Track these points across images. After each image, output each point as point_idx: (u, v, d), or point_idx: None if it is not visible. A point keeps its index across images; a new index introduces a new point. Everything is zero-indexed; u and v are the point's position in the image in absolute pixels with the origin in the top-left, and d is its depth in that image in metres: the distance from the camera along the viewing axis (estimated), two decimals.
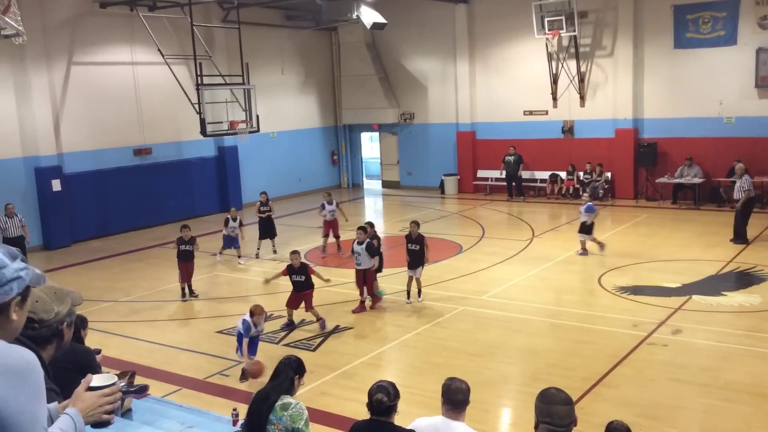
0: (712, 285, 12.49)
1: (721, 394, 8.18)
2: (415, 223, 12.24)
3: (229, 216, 15.48)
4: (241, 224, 15.46)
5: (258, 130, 19.46)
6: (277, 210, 17.83)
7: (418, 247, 11.96)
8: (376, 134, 27.27)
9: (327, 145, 27.14)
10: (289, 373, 5.24)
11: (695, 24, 20.35)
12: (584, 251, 14.86)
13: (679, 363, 9.16)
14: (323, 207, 15.92)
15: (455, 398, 4.64)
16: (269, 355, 9.30)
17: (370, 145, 28.26)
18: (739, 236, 15.27)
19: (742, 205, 15.30)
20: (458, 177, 24.68)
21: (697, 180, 19.98)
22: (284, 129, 24.88)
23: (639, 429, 4.96)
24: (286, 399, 5.11)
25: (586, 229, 14.81)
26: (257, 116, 19.13)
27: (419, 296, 12.16)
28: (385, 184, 26.81)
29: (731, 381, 8.49)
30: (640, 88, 21.45)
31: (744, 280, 12.76)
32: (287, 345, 10.40)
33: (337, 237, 15.98)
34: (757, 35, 19.42)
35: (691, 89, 20.59)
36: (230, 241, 15.53)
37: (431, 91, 25.29)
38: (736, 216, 15.50)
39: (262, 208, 16.05)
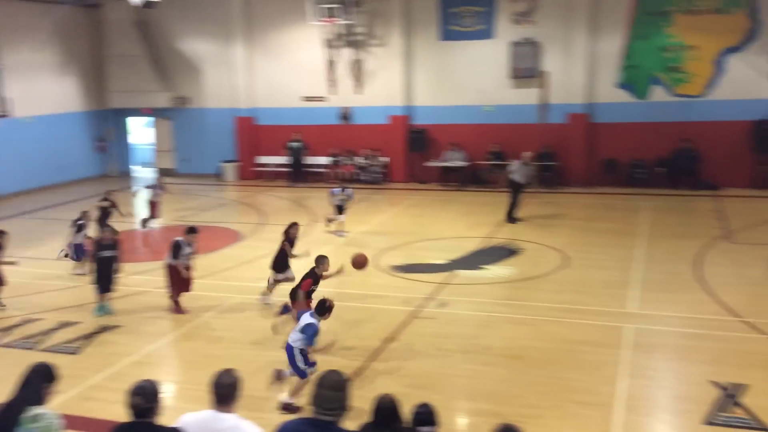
0: (474, 260, 13.58)
1: (482, 359, 8.91)
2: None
3: None
4: None
5: (7, 115, 17.52)
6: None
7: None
8: (149, 120, 25.86)
9: (92, 131, 25.21)
10: (37, 381, 4.84)
11: (458, 18, 21.84)
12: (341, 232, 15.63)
13: (445, 334, 9.81)
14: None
15: (222, 391, 4.55)
16: (26, 364, 8.41)
17: (143, 131, 26.75)
18: (510, 215, 16.54)
19: (520, 187, 16.46)
20: (238, 163, 24.26)
21: (461, 163, 21.58)
22: (42, 113, 22.67)
23: (408, 398, 5.18)
24: (36, 410, 4.69)
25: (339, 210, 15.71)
26: (8, 99, 17.21)
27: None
28: (161, 172, 25.59)
29: (489, 346, 9.29)
30: (411, 77, 22.58)
31: (500, 253, 14.02)
32: (46, 350, 9.50)
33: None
34: (512, 30, 21.33)
35: (455, 79, 22.11)
36: None
37: (208, 75, 24.50)
38: (514, 198, 16.52)
39: None
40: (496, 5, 21.39)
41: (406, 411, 4.89)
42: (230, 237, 15.87)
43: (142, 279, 12.49)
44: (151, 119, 25.76)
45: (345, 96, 23.08)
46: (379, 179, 22.42)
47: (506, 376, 8.44)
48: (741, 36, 19.43)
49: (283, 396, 7.78)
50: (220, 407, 4.53)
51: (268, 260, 11.31)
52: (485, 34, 21.63)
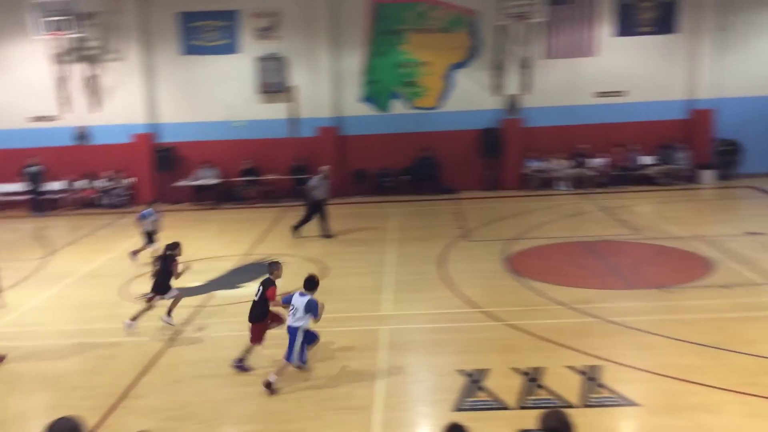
0: (232, 279, 13.28)
1: (243, 380, 8.69)
2: None
3: None
4: None
5: None
6: None
7: None
8: None
9: None
10: None
11: (199, 32, 21.35)
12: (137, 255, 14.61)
13: (204, 359, 9.43)
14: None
15: None
16: None
17: None
18: (297, 227, 16.38)
19: (322, 203, 16.22)
20: None
21: (214, 181, 21.09)
22: None
23: None
24: None
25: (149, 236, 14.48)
26: None
27: None
28: None
29: (250, 366, 9.08)
30: (153, 93, 21.58)
31: (258, 270, 13.84)
32: None
33: None
34: (257, 45, 21.35)
35: (202, 95, 21.59)
36: None
37: None
38: (312, 214, 16.25)
39: None
40: (239, 20, 21.29)
41: None
42: None
43: None
44: None
45: (81, 115, 21.39)
46: (124, 202, 21.08)
47: (268, 394, 8.31)
48: (465, 53, 21.46)
49: (272, 376, 8.32)
50: None
51: None
52: (229, 48, 21.42)
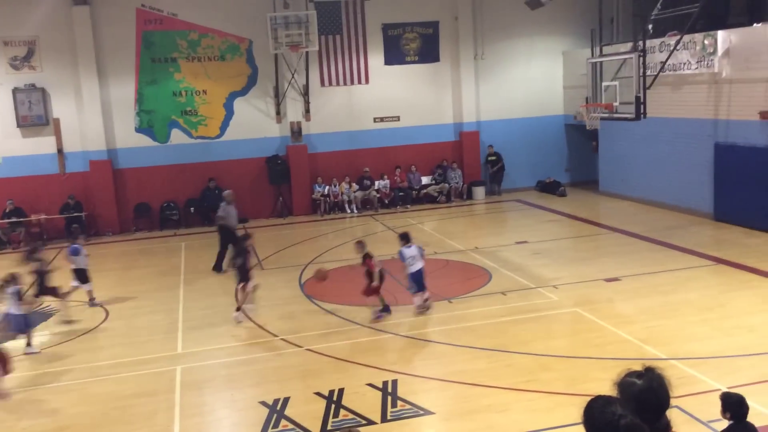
0: None
1: None
2: None
3: None
4: None
5: None
6: None
7: None
8: None
9: None
10: None
11: None
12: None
13: None
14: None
15: None
16: None
17: None
18: (217, 265, 15.18)
19: (233, 231, 15.06)
20: None
21: None
22: None
23: None
24: None
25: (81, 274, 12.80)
26: None
27: None
28: None
29: (28, 427, 8.16)
30: None
31: (40, 319, 12.54)
32: None
33: None
34: (12, 75, 19.47)
35: None
36: None
37: None
38: (227, 244, 14.80)
39: None
40: None
41: None
42: None
43: None
44: None
45: None
46: None
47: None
48: (244, 80, 21.34)
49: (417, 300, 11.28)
50: None
51: None
52: None
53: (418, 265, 11.17)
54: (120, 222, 20.49)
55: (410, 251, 11.24)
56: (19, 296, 10.58)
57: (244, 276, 11.83)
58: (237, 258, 11.93)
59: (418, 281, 11.25)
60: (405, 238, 11.43)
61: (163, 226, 20.67)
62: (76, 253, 12.92)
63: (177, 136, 21.03)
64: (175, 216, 20.86)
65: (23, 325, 10.67)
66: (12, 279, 10.60)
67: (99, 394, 9.09)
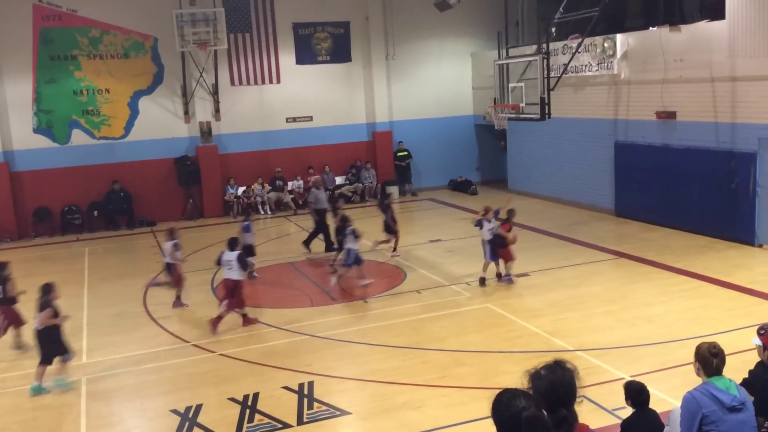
0: None
1: None
2: None
3: None
4: None
5: None
6: None
7: None
8: None
9: None
10: None
11: None
12: None
13: None
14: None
15: None
16: None
17: None
18: (307, 242, 15.79)
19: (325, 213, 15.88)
20: None
21: None
22: None
23: None
24: None
25: None
26: None
27: None
28: None
29: None
30: None
31: None
32: None
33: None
34: None
35: None
36: None
37: None
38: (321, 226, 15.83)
39: None
40: None
41: None
42: None
43: None
44: None
45: None
46: None
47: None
48: (149, 79, 20.66)
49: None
50: None
51: None
52: None
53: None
54: (18, 228, 19.44)
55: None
56: None
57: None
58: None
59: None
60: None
61: (65, 231, 19.76)
62: None
63: (78, 137, 20.14)
64: (78, 220, 19.98)
65: None
66: None
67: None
